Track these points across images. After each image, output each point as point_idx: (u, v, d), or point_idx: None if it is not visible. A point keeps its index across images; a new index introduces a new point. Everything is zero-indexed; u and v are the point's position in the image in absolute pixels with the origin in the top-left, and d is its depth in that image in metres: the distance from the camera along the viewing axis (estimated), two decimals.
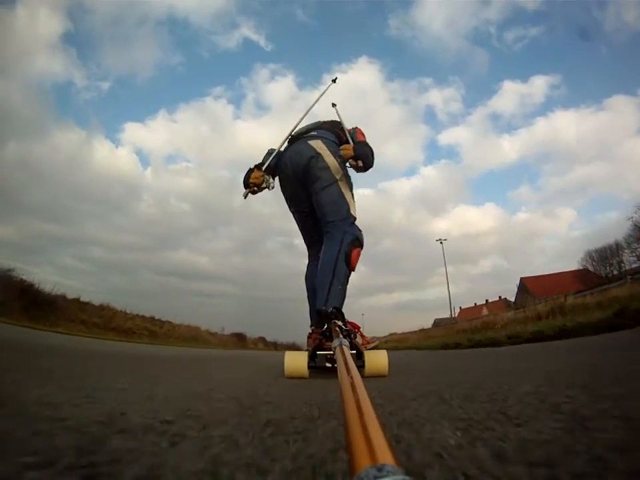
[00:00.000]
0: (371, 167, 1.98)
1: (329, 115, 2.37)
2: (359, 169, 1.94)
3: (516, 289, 30.06)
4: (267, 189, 2.06)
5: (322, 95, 2.43)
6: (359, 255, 1.87)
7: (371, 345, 2.05)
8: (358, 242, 1.86)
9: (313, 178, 1.99)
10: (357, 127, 2.24)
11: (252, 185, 1.99)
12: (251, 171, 2.02)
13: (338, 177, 1.99)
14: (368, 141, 2.13)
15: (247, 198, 2.05)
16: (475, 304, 35.53)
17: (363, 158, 1.92)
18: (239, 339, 21.22)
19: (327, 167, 1.97)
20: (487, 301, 34.01)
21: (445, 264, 25.93)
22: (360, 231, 1.94)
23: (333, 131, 2.18)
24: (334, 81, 2.52)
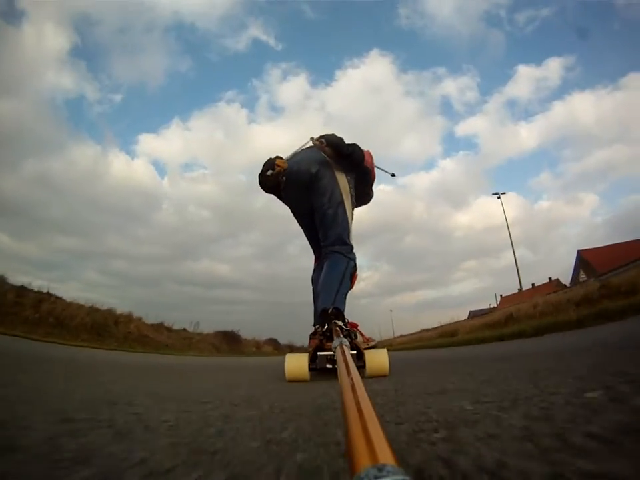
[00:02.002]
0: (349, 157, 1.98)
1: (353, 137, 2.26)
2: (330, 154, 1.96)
3: (557, 275, 27.18)
4: (278, 188, 1.97)
5: (302, 147, 2.16)
6: (356, 278, 2.06)
7: (372, 344, 2.05)
8: (356, 269, 2.02)
9: (319, 190, 1.95)
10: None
11: (277, 166, 1.86)
12: (274, 158, 1.91)
13: (345, 198, 1.96)
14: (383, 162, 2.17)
15: (268, 189, 1.95)
16: (519, 289, 29.66)
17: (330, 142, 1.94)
18: (228, 340, 15.05)
19: (335, 184, 1.95)
20: (533, 284, 29.28)
21: (508, 224, 21.67)
22: (355, 257, 2.01)
23: None
24: (312, 139, 2.34)
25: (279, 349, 20.45)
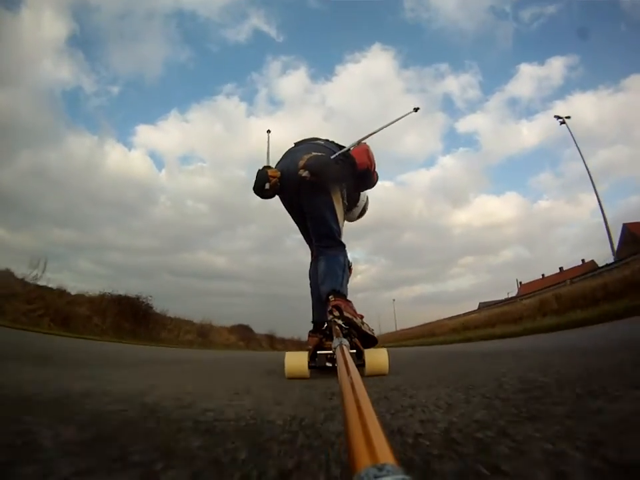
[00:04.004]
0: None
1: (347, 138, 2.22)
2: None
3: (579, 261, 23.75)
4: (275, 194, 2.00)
5: (268, 147, 2.21)
6: (351, 273, 2.14)
7: (367, 327, 1.89)
8: (350, 264, 2.11)
9: (309, 194, 1.95)
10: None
11: (272, 178, 1.89)
12: (264, 169, 1.94)
13: (335, 203, 1.96)
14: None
15: (267, 199, 1.97)
16: (543, 275, 27.32)
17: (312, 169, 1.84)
18: (124, 312, 8.79)
19: (325, 190, 1.94)
20: (561, 268, 26.37)
21: (582, 154, 15.61)
22: (347, 255, 2.04)
23: (341, 148, 2.11)
24: (269, 131, 2.41)
25: (249, 340, 14.41)
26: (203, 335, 11.68)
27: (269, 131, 2.40)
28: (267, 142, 2.26)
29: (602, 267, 12.67)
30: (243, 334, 14.73)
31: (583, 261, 24.67)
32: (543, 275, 28.21)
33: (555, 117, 17.09)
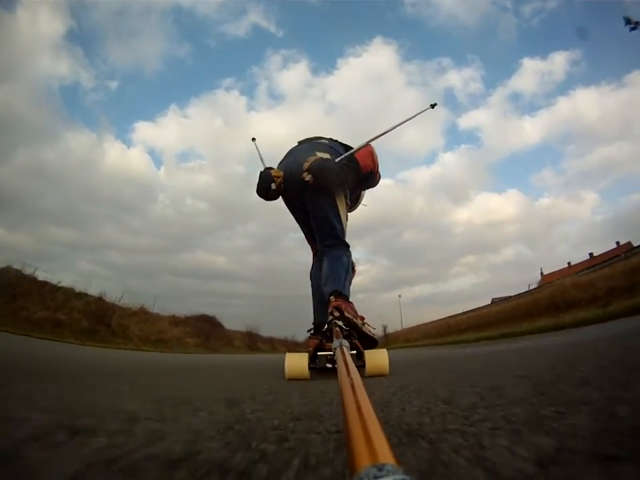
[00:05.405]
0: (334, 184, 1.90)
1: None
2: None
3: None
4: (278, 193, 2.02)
5: (259, 153, 2.29)
6: (355, 274, 2.13)
7: (369, 327, 1.90)
8: (354, 265, 2.11)
9: (312, 194, 1.96)
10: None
11: (276, 178, 1.92)
12: (266, 170, 1.98)
13: (339, 202, 1.97)
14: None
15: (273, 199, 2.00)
16: (569, 263, 24.49)
17: (318, 173, 1.83)
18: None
19: (328, 191, 1.94)
20: (591, 254, 23.85)
21: None
22: (351, 255, 2.05)
23: (346, 148, 2.12)
24: (254, 139, 2.46)
25: (209, 336, 10.72)
26: (99, 320, 7.44)
27: (253, 139, 2.46)
28: (256, 149, 2.32)
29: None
30: (201, 328, 10.94)
31: (617, 243, 21.73)
32: (569, 263, 25.12)
33: (624, 18, 13.89)
